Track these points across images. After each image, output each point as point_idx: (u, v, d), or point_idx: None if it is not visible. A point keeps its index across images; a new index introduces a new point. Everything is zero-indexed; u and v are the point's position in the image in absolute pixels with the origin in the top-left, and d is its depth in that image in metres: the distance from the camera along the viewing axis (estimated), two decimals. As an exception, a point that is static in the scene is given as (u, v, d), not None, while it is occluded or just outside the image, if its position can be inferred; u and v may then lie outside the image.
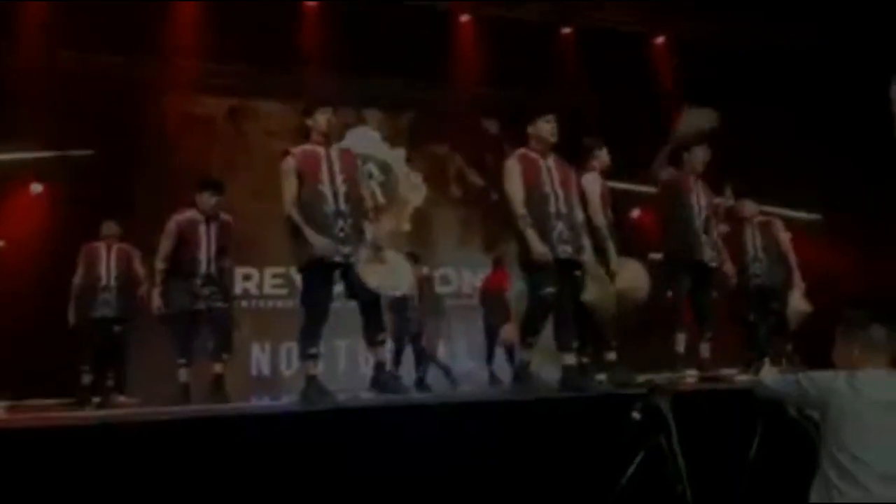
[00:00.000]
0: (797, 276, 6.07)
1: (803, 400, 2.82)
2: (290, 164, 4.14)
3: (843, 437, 2.57)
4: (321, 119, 4.26)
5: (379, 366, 4.30)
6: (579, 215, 4.50)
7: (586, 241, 4.49)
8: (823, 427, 2.66)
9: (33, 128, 6.83)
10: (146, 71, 7.51)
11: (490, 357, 7.58)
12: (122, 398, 5.98)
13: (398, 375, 4.62)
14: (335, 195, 4.15)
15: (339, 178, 4.20)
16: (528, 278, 4.38)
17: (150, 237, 6.85)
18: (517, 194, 4.35)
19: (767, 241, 6.16)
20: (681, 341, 5.09)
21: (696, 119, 5.19)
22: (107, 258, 6.11)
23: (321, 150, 4.23)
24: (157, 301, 5.16)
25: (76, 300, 6.09)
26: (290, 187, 4.10)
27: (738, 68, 8.34)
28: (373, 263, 4.17)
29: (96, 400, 5.82)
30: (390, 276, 4.27)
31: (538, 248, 4.20)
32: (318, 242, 4.00)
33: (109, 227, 6.23)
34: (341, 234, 4.11)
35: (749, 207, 6.30)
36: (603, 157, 4.97)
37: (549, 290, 4.24)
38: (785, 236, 6.24)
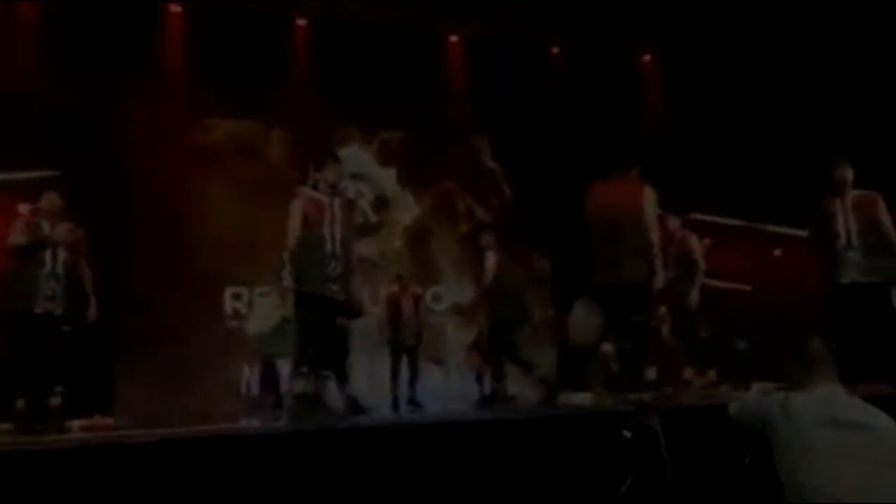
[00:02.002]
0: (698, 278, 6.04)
1: (755, 424, 2.73)
2: (297, 205, 4.60)
3: (786, 461, 2.50)
4: (331, 174, 4.75)
5: (315, 398, 4.58)
6: None
7: None
8: (774, 450, 2.59)
9: (18, 146, 6.76)
10: (132, 89, 7.50)
11: (479, 377, 7.56)
12: (106, 419, 5.69)
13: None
14: (333, 240, 4.61)
15: (337, 226, 4.65)
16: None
17: (116, 256, 6.83)
18: None
19: (679, 251, 6.09)
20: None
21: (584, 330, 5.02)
22: (52, 240, 4.91)
23: (326, 199, 4.68)
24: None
25: (12, 290, 4.83)
26: (294, 227, 4.56)
27: (724, 83, 8.43)
28: None
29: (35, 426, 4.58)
30: None
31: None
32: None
33: (52, 200, 5.00)
34: (333, 274, 4.57)
35: (671, 222, 6.24)
36: None
37: None
38: (697, 245, 6.18)
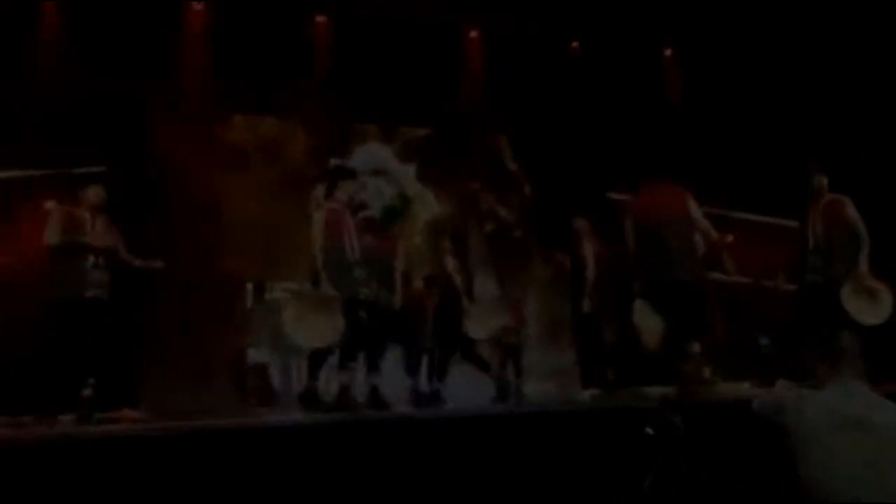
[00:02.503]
0: None
1: (775, 421, 2.65)
2: (319, 216, 5.11)
3: (805, 460, 2.46)
4: (349, 188, 5.38)
5: (343, 389, 5.05)
6: None
7: None
8: (792, 448, 2.54)
9: (46, 144, 6.86)
10: (156, 87, 7.57)
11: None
12: (133, 413, 5.77)
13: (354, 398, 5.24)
14: (352, 248, 5.09)
15: (353, 235, 5.13)
16: None
17: (141, 252, 6.93)
18: None
19: None
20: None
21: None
22: (92, 231, 5.07)
23: (341, 209, 5.21)
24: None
25: (59, 278, 4.94)
26: (318, 235, 5.01)
27: (746, 76, 8.37)
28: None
29: (67, 417, 4.74)
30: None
31: None
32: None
33: (98, 193, 5.22)
34: (359, 278, 5.05)
35: None
36: None
37: None
38: None
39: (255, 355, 7.43)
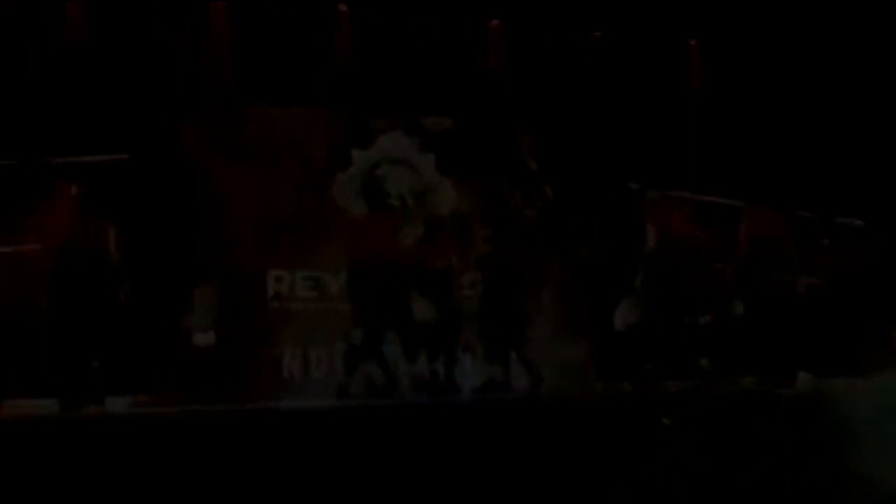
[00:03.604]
0: None
1: (818, 413, 2.66)
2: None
3: (851, 452, 2.45)
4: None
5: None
6: None
7: None
8: (835, 439, 2.54)
9: (72, 131, 6.95)
10: (179, 80, 7.64)
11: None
12: (150, 398, 5.81)
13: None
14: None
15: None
16: None
17: (161, 242, 7.02)
18: None
19: None
20: None
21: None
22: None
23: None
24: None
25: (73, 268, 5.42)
26: None
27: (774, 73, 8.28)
28: None
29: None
30: None
31: None
32: None
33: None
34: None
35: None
36: None
37: None
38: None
39: (272, 344, 7.51)
